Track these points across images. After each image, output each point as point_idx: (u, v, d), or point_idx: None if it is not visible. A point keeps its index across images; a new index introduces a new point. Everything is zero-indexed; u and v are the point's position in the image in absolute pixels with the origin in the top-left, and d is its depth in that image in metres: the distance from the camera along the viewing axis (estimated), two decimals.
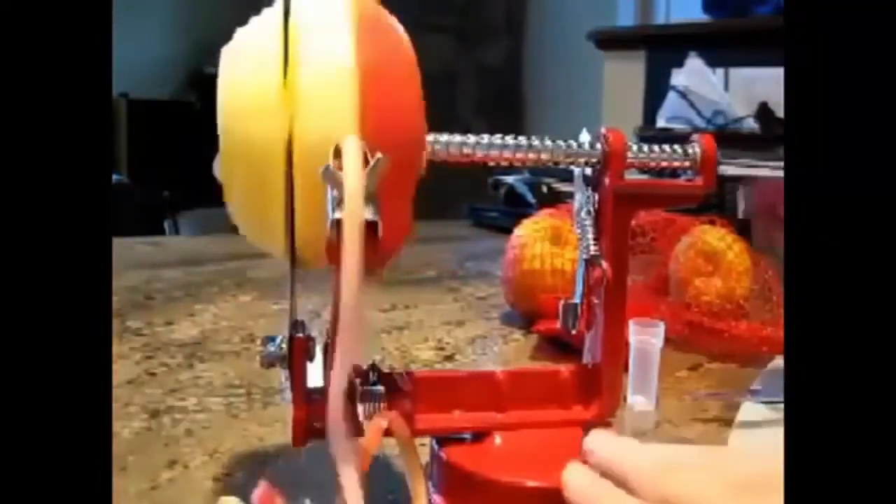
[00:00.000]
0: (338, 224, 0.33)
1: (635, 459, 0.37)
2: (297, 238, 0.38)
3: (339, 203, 0.33)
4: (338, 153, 0.34)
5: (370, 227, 0.33)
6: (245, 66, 0.37)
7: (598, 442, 0.39)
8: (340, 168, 0.33)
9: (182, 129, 2.54)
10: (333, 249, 0.33)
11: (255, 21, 0.39)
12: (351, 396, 0.39)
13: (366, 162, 0.34)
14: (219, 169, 0.39)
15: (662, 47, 2.14)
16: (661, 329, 0.61)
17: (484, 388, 0.43)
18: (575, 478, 0.37)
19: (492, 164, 0.41)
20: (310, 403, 0.39)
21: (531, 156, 0.41)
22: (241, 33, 0.39)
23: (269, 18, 0.38)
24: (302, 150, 0.36)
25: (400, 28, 0.40)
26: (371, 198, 0.33)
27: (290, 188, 0.37)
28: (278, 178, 0.36)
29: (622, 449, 0.38)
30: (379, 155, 0.34)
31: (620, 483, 0.36)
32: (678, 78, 1.86)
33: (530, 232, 0.83)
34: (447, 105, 2.77)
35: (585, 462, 0.38)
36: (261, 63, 0.37)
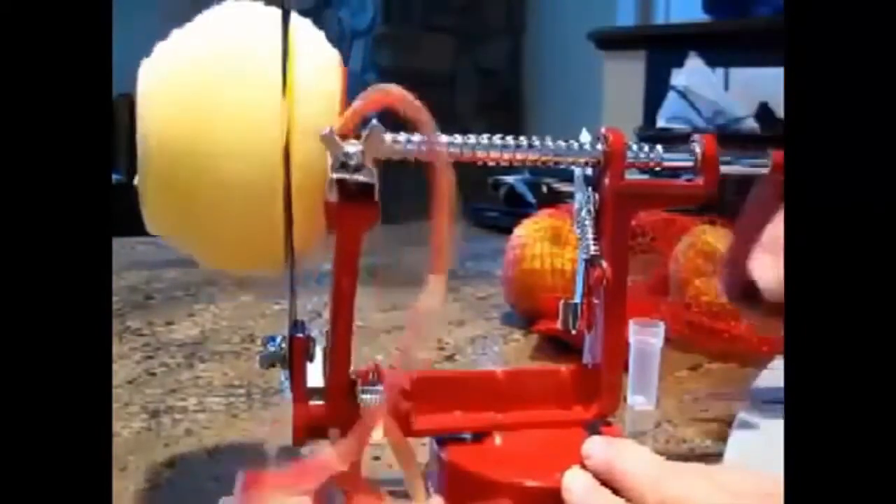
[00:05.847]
0: (338, 184, 0.35)
1: (635, 464, 0.37)
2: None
3: (339, 165, 0.35)
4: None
5: (368, 188, 0.36)
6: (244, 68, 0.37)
7: (597, 447, 0.39)
8: (340, 136, 0.35)
9: None
10: (332, 209, 0.36)
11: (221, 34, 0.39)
12: (351, 396, 0.39)
13: (359, 135, 0.36)
14: (151, 174, 0.38)
15: (662, 47, 2.13)
16: (661, 329, 0.61)
17: (484, 388, 0.43)
18: (575, 483, 0.37)
19: (492, 164, 0.41)
20: (310, 403, 0.39)
21: (531, 156, 0.41)
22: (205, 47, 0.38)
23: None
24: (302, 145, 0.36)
25: None
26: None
27: (287, 183, 0.36)
28: (279, 177, 0.36)
29: (621, 453, 0.38)
30: (373, 123, 0.36)
31: (620, 487, 0.36)
32: (678, 78, 1.86)
33: (530, 232, 0.83)
34: (447, 105, 2.77)
35: (584, 467, 0.38)
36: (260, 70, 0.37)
